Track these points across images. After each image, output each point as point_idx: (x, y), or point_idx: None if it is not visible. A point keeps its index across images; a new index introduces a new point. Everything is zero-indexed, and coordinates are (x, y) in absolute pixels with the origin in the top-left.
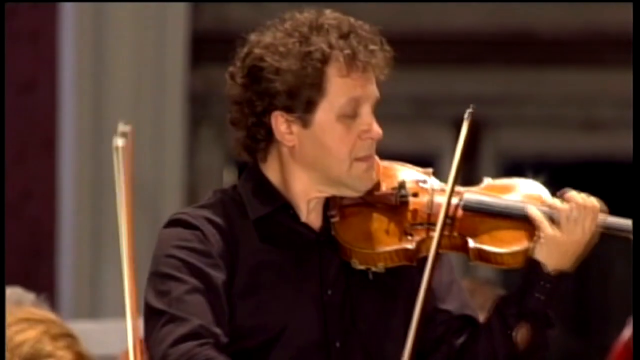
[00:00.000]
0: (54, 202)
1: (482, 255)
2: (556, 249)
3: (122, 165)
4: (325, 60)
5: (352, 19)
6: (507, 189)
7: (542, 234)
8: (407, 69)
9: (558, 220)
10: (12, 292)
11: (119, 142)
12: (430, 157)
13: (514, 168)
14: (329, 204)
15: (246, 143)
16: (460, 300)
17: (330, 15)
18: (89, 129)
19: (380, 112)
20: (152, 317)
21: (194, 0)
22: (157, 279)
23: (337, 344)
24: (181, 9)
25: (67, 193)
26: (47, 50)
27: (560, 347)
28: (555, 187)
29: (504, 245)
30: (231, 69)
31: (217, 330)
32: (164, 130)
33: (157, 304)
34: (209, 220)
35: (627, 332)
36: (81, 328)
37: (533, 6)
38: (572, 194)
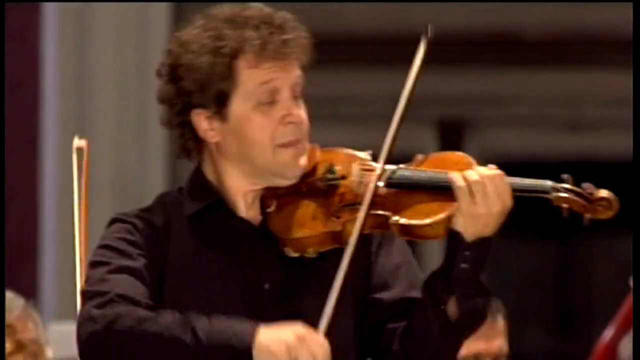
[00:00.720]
0: (37, 202)
1: (405, 230)
2: (473, 219)
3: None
4: (234, 53)
5: (270, 10)
6: (436, 163)
7: (460, 205)
8: (390, 69)
9: (474, 193)
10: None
11: (80, 142)
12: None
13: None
14: (265, 196)
15: (180, 143)
16: (407, 284)
17: (250, 7)
18: (72, 130)
19: (364, 113)
20: (82, 301)
21: (177, 0)
22: (88, 269)
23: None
24: (164, 9)
25: (49, 193)
26: (30, 51)
27: (543, 348)
28: None
29: (424, 217)
30: (158, 67)
31: (137, 298)
32: (148, 130)
33: (86, 288)
34: (142, 218)
35: (609, 333)
36: (64, 330)
37: (518, 7)
38: (478, 168)
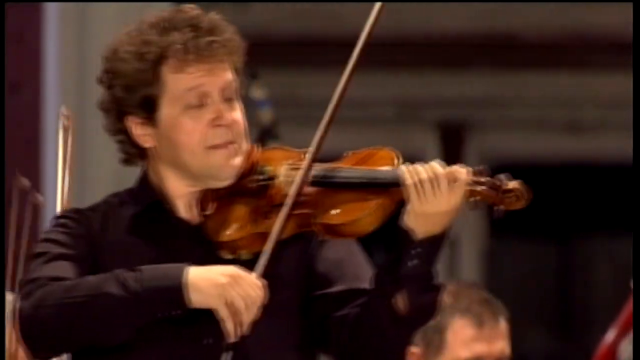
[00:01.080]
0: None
1: (327, 229)
2: (422, 217)
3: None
4: (158, 59)
5: (198, 12)
6: (363, 159)
7: (411, 203)
8: (392, 72)
9: (424, 190)
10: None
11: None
12: (415, 160)
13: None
14: (202, 199)
15: (122, 149)
16: (351, 276)
17: (178, 10)
18: (73, 130)
19: (365, 115)
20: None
21: (177, 1)
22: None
23: (210, 341)
24: (164, 9)
25: (50, 193)
26: (31, 51)
27: (543, 350)
28: (539, 190)
29: (346, 215)
30: (99, 76)
31: (66, 276)
32: None
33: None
34: (82, 213)
35: (611, 335)
36: None
37: (517, 9)
38: (428, 165)
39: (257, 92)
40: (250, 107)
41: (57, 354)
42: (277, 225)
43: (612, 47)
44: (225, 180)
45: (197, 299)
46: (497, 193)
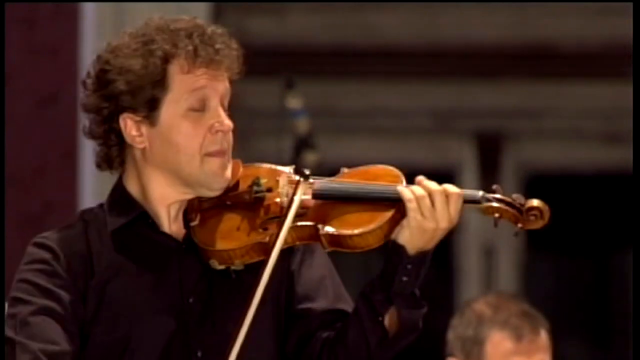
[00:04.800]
0: (75, 214)
1: (334, 240)
2: (419, 233)
3: None
4: (167, 58)
5: (202, 22)
6: (363, 175)
7: (408, 219)
8: (428, 82)
9: (423, 207)
10: None
11: None
12: (451, 171)
13: (535, 181)
14: (188, 209)
15: (102, 153)
16: (333, 295)
17: (181, 19)
18: None
19: (401, 126)
20: (6, 346)
21: (214, 13)
22: (10, 303)
23: (199, 353)
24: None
25: (88, 205)
26: (68, 63)
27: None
28: (576, 201)
29: (353, 227)
30: (84, 78)
31: (56, 349)
32: None
33: (7, 331)
34: (63, 239)
35: None
36: None
37: (554, 19)
38: (426, 182)
39: (294, 102)
40: (286, 116)
41: None
42: (281, 235)
43: None
44: (216, 190)
45: None
46: (519, 212)
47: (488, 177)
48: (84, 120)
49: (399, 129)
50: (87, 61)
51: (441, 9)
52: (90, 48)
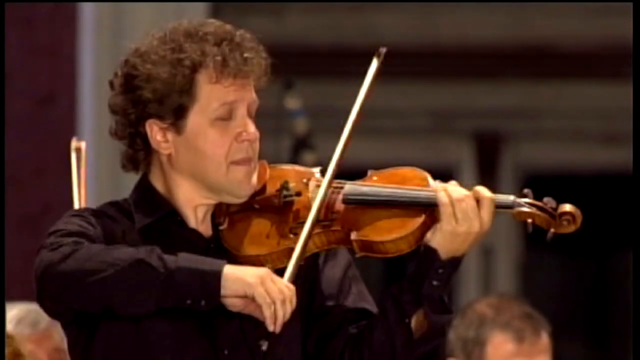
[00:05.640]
0: None
1: (366, 246)
2: (452, 237)
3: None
4: (195, 67)
5: (230, 27)
6: (392, 178)
7: (442, 223)
8: (427, 83)
9: (457, 211)
10: (30, 312)
11: (78, 144)
12: (450, 171)
13: (534, 181)
14: (216, 212)
15: (128, 154)
16: (356, 295)
17: (210, 23)
18: (107, 142)
19: (400, 126)
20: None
21: (213, 10)
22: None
23: (225, 352)
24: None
25: (87, 205)
26: (67, 63)
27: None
28: (575, 201)
29: (385, 233)
30: (111, 78)
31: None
32: None
33: (42, 251)
34: (95, 212)
35: None
36: None
37: (553, 19)
38: (458, 187)
39: (292, 102)
40: (285, 117)
41: (70, 308)
42: (301, 237)
43: None
44: (241, 197)
45: (232, 286)
46: (552, 216)
47: (486, 178)
48: (83, 120)
49: (397, 129)
50: (86, 61)
51: (440, 10)
52: (89, 48)
